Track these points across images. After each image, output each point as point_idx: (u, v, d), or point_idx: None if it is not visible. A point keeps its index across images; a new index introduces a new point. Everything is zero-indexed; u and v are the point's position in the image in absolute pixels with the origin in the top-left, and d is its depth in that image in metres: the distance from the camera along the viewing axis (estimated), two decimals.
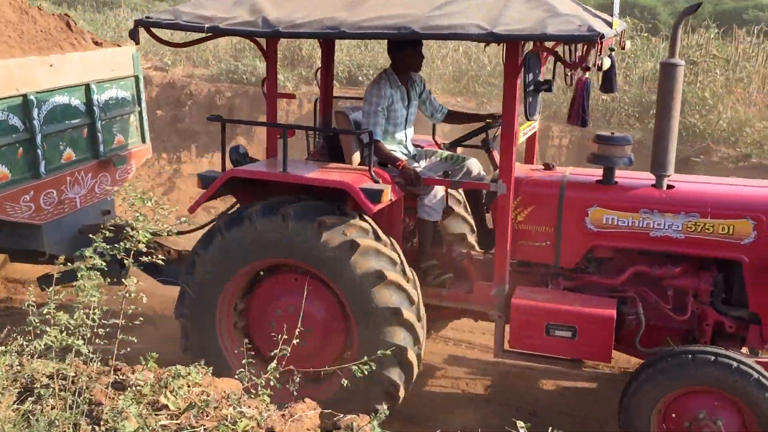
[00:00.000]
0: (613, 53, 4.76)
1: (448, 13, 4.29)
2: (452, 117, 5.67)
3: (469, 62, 12.05)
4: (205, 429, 3.05)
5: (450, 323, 6.34)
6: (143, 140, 7.13)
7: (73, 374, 3.26)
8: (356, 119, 5.37)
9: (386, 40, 5.33)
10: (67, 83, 6.12)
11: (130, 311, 3.40)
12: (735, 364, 4.09)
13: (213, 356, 4.81)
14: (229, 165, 5.13)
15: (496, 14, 4.18)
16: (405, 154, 5.23)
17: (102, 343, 3.32)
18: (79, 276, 3.32)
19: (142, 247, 3.43)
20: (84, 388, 3.18)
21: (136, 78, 6.93)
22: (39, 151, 5.85)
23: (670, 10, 18.84)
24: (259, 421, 3.15)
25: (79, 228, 6.30)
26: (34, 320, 3.24)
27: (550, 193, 4.83)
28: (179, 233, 6.21)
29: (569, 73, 4.62)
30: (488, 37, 4.16)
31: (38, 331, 3.23)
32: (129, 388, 3.24)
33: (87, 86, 6.32)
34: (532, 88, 4.79)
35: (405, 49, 5.06)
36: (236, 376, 3.42)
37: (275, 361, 3.37)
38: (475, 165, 5.33)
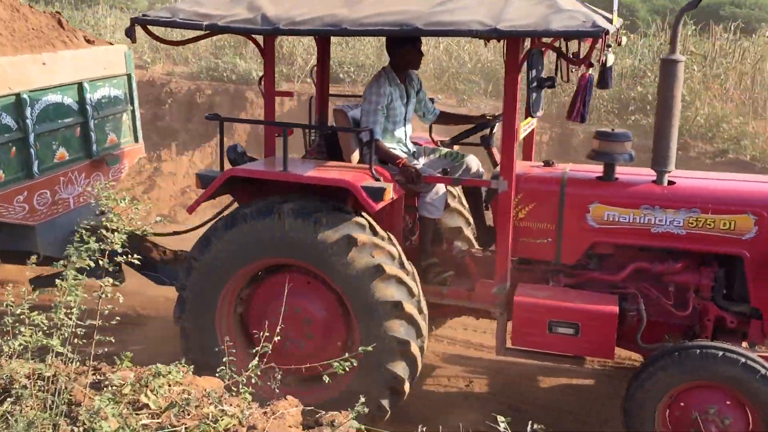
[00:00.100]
0: (610, 49, 4.75)
1: (450, 9, 4.26)
2: (444, 118, 5.65)
3: (449, 59, 12.04)
4: (186, 428, 3.04)
5: (447, 322, 6.33)
6: (136, 139, 7.04)
7: (52, 374, 3.23)
8: (355, 117, 5.34)
9: (384, 38, 5.30)
10: (59, 82, 6.04)
11: (107, 311, 3.36)
12: (743, 359, 4.11)
13: (213, 357, 4.75)
14: (227, 165, 5.07)
15: (498, 10, 4.16)
16: (405, 152, 5.20)
17: (81, 342, 3.30)
18: (67, 276, 3.30)
19: (117, 247, 3.40)
20: (63, 388, 3.15)
21: (129, 76, 6.84)
22: (32, 151, 5.77)
23: (649, 7, 18.91)
24: (241, 419, 3.14)
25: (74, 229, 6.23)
26: (9, 320, 3.22)
27: (551, 189, 4.82)
28: (157, 234, 6.17)
29: (574, 70, 4.61)
30: (492, 34, 4.14)
31: (17, 332, 3.21)
32: (106, 388, 3.21)
33: (80, 85, 6.23)
34: (535, 84, 4.77)
35: (405, 46, 5.03)
36: (217, 374, 3.39)
37: (256, 359, 3.34)
38: (474, 162, 5.31)
